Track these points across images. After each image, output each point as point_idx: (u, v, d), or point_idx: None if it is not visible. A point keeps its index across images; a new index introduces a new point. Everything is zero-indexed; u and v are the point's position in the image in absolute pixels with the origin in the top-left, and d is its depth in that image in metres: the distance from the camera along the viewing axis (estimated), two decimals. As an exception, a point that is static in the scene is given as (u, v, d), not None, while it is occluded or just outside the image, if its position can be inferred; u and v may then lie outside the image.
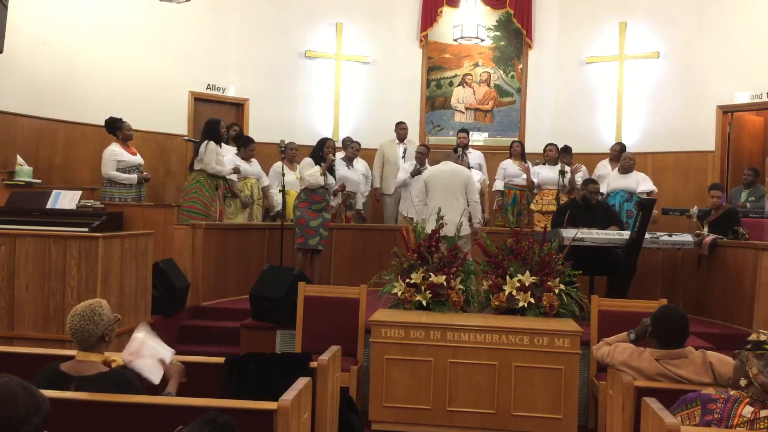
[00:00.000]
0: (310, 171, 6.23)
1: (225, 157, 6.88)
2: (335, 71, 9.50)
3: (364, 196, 8.22)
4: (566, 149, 7.71)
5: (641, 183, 7.17)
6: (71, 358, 2.80)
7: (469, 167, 7.77)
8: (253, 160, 7.44)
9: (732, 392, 2.49)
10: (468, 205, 6.03)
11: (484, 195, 7.43)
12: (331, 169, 6.47)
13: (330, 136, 8.59)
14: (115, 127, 6.74)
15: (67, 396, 2.52)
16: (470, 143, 8.79)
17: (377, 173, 8.38)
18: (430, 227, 5.64)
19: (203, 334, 5.70)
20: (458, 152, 7.28)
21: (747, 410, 2.40)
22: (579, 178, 7.28)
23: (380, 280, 5.19)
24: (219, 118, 7.15)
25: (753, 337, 2.51)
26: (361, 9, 9.53)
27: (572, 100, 9.39)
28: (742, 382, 2.48)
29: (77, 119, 7.56)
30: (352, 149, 7.79)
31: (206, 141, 6.54)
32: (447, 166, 6.18)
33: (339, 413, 3.60)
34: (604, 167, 7.98)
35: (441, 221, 5.25)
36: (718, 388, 2.66)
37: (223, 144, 7.24)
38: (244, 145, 7.29)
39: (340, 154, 7.83)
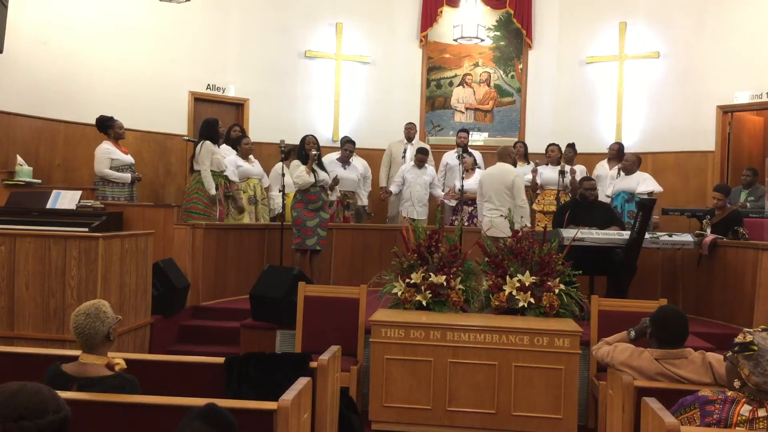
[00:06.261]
0: (297, 172, 6.22)
1: (226, 159, 6.88)
2: (335, 71, 9.50)
3: (366, 193, 8.20)
4: (571, 145, 7.75)
5: (641, 183, 7.15)
6: (72, 358, 2.80)
7: (474, 167, 7.79)
8: (254, 160, 7.44)
9: (729, 393, 2.49)
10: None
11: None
12: (321, 165, 6.44)
13: (328, 136, 8.62)
14: (106, 126, 6.70)
15: (67, 396, 2.51)
16: (471, 143, 8.82)
17: (384, 172, 8.42)
18: (486, 226, 5.91)
19: (203, 334, 5.69)
20: (458, 152, 7.29)
21: (745, 409, 2.41)
22: (578, 178, 7.29)
23: (380, 280, 5.19)
24: (219, 118, 7.14)
25: (739, 338, 2.51)
26: (361, 9, 9.53)
27: (572, 100, 9.39)
28: (736, 384, 2.48)
29: (77, 119, 7.56)
30: (346, 151, 7.77)
31: (202, 141, 6.54)
32: (495, 167, 6.24)
33: (339, 413, 3.60)
34: (602, 167, 7.98)
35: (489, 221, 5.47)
36: (715, 389, 2.66)
37: (224, 145, 7.25)
38: (237, 142, 7.28)
39: (336, 155, 7.84)
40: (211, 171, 6.51)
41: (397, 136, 8.63)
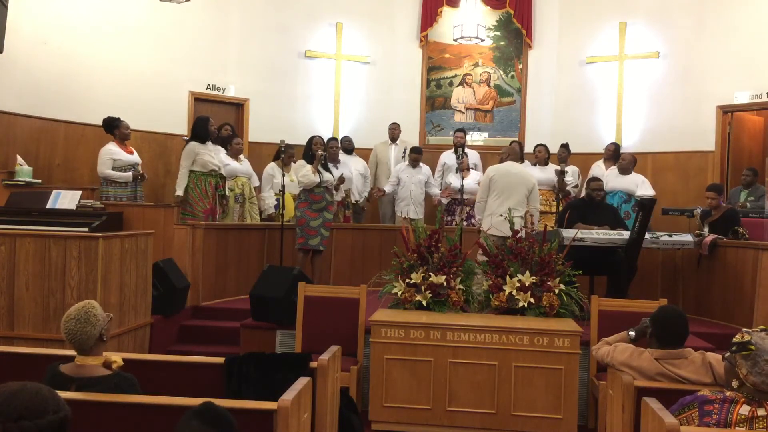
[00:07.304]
0: (303, 171, 6.25)
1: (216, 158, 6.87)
2: (335, 71, 9.50)
3: (364, 194, 8.20)
4: (564, 145, 7.77)
5: (640, 186, 7.19)
6: (71, 358, 2.79)
7: (468, 168, 7.81)
8: (244, 159, 7.42)
9: (728, 393, 2.49)
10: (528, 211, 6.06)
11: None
12: (326, 166, 6.47)
13: (327, 135, 8.61)
14: (112, 127, 6.74)
15: (67, 396, 2.51)
16: (470, 143, 8.81)
17: (371, 173, 8.41)
18: (486, 225, 5.79)
19: (203, 334, 5.70)
20: (458, 153, 7.29)
21: (744, 409, 2.41)
22: (569, 179, 7.34)
23: (380, 280, 5.19)
24: (219, 118, 7.14)
25: (737, 338, 2.51)
26: (361, 9, 9.53)
27: (572, 100, 9.38)
28: (734, 384, 2.49)
29: (77, 119, 7.56)
30: (331, 149, 7.72)
31: (188, 141, 6.58)
32: (514, 166, 6.21)
33: (339, 413, 3.60)
34: (598, 167, 7.98)
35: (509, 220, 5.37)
36: (714, 388, 2.66)
37: (214, 144, 7.23)
38: (227, 141, 7.29)
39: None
40: (200, 171, 6.57)
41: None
